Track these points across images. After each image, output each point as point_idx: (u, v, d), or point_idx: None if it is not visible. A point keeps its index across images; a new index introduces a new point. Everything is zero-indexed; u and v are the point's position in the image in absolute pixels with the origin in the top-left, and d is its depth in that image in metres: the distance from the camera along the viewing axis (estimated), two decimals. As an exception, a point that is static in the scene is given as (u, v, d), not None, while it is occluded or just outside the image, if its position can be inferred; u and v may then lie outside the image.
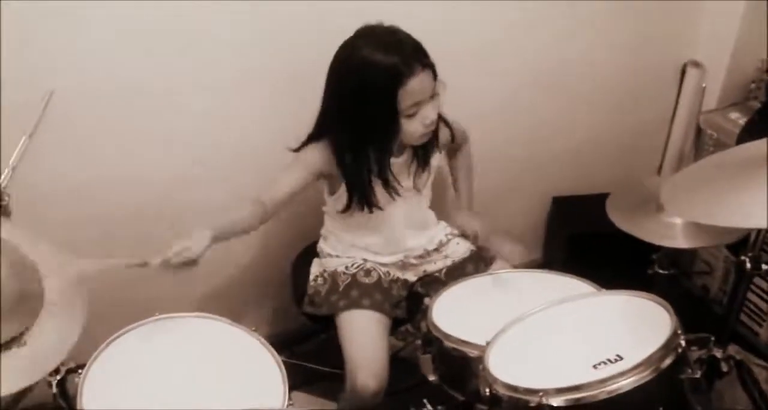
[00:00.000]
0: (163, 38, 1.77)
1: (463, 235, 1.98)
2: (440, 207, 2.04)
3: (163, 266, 1.49)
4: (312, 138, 1.78)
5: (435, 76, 1.67)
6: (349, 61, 1.65)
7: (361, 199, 1.79)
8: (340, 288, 1.84)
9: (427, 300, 1.85)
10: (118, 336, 1.56)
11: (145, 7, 1.70)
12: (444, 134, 1.88)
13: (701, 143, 2.49)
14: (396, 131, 1.68)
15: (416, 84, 1.61)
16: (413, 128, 1.68)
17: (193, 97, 1.88)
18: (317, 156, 1.76)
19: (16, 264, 1.26)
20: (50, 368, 1.24)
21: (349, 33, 1.68)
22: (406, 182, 1.85)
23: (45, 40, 1.66)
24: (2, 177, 1.42)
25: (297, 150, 1.78)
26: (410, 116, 1.66)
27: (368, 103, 1.64)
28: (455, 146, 2.01)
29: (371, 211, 1.81)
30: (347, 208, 1.81)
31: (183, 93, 1.86)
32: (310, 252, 2.02)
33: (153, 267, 1.49)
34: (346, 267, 1.88)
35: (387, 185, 1.79)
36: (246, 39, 1.86)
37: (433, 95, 1.68)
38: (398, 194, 1.82)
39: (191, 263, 1.50)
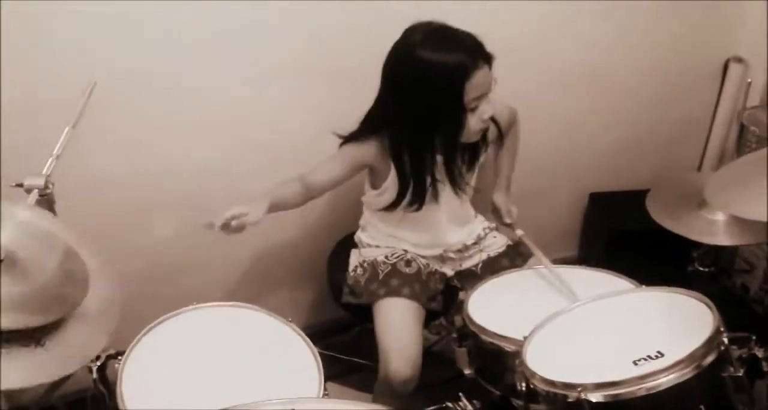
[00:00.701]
0: (203, 33, 1.78)
1: (496, 213, 2.00)
2: (477, 201, 2.03)
3: (222, 228, 1.57)
4: (361, 134, 1.78)
5: (491, 68, 1.66)
6: (411, 60, 1.63)
7: (415, 197, 1.79)
8: (380, 277, 1.84)
9: (462, 294, 1.85)
10: (156, 325, 1.59)
11: (185, 2, 1.72)
12: (492, 132, 1.88)
13: (744, 139, 2.44)
14: (462, 126, 1.68)
15: (481, 77, 1.62)
16: (473, 123, 1.69)
17: (232, 91, 1.89)
18: (365, 152, 1.77)
19: (69, 269, 1.27)
20: (61, 374, 1.23)
21: (387, 29, 1.67)
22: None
23: (87, 35, 1.69)
24: (46, 166, 1.44)
25: (343, 143, 1.80)
26: (471, 110, 1.67)
27: (435, 101, 1.64)
28: (507, 128, 2.00)
29: (419, 209, 1.81)
30: (394, 205, 1.81)
31: (222, 87, 1.87)
32: (346, 244, 2.02)
33: (215, 229, 1.57)
34: (387, 257, 1.88)
35: (455, 183, 1.81)
36: (286, 34, 1.87)
37: (489, 91, 1.68)
38: (461, 189, 1.84)
39: (242, 228, 1.59)
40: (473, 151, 1.84)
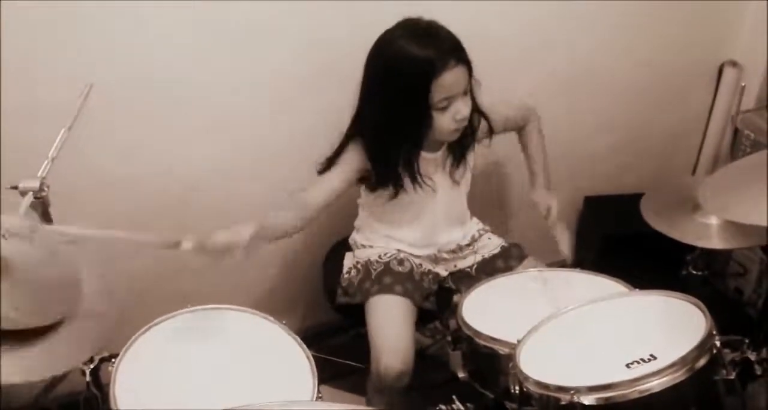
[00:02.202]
0: (202, 33, 1.79)
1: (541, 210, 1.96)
2: (471, 203, 2.03)
3: (196, 250, 1.50)
4: (348, 138, 1.78)
5: (470, 72, 1.66)
6: (386, 50, 1.66)
7: (391, 186, 1.79)
8: (373, 276, 1.85)
9: (456, 297, 1.85)
10: (151, 327, 1.58)
11: (185, 4, 1.73)
12: (482, 127, 1.88)
13: (738, 143, 2.45)
14: (427, 124, 1.68)
15: (449, 78, 1.61)
16: (444, 122, 1.68)
17: (231, 92, 1.89)
18: (357, 156, 1.77)
19: (64, 272, 1.27)
20: (53, 373, 1.21)
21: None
22: (442, 176, 1.86)
23: (85, 35, 1.69)
24: (42, 169, 1.44)
25: (331, 158, 1.79)
26: (441, 110, 1.66)
27: (401, 92, 1.64)
28: (519, 125, 2.00)
29: (396, 196, 1.81)
30: (375, 189, 1.82)
31: (222, 88, 1.87)
32: (341, 247, 2.02)
33: (184, 249, 1.49)
34: (380, 256, 1.88)
35: (414, 180, 1.79)
36: (285, 36, 1.87)
37: (466, 91, 1.68)
38: (425, 187, 1.81)
39: (224, 254, 1.51)
40: (461, 148, 1.84)
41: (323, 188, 1.75)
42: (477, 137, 1.87)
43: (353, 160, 1.77)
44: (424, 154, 1.80)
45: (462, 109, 1.68)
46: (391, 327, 1.75)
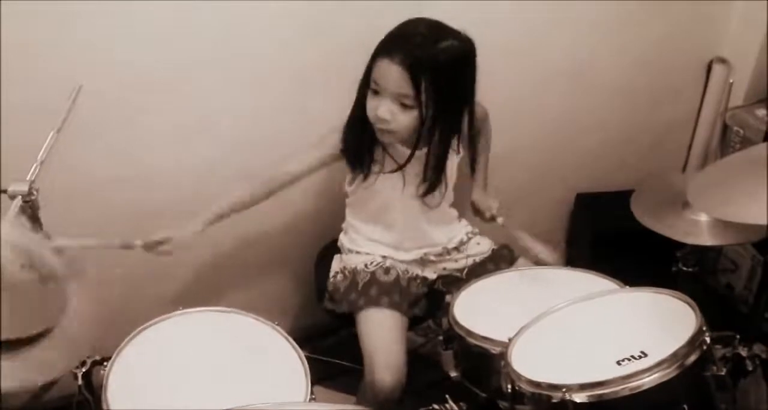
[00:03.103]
0: (192, 35, 1.78)
1: (478, 211, 2.00)
2: (461, 207, 2.03)
3: (146, 248, 1.65)
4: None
5: (414, 84, 1.61)
6: None
7: (355, 160, 1.80)
8: (359, 287, 1.84)
9: (448, 297, 1.85)
10: (143, 330, 1.59)
11: (173, 3, 1.72)
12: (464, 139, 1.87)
13: (727, 140, 2.46)
14: (362, 98, 1.71)
15: (383, 67, 1.62)
16: (369, 106, 1.69)
17: (226, 92, 1.89)
18: (338, 138, 1.78)
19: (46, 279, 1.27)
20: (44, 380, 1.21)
21: (387, 30, 1.68)
22: (418, 174, 1.83)
23: (74, 37, 1.67)
24: (30, 172, 1.43)
25: None
26: (372, 92, 1.68)
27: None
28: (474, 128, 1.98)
29: (367, 173, 1.81)
30: (352, 169, 1.83)
31: (211, 89, 1.87)
32: (332, 248, 2.02)
33: (137, 248, 1.64)
34: (366, 265, 1.88)
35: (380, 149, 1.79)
36: (274, 36, 1.86)
37: (401, 101, 1.64)
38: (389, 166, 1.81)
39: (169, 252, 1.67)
40: (440, 151, 1.78)
41: (298, 164, 1.81)
42: (458, 147, 1.85)
43: (330, 143, 1.79)
44: (402, 148, 1.79)
45: (381, 109, 1.65)
46: (381, 343, 1.75)
